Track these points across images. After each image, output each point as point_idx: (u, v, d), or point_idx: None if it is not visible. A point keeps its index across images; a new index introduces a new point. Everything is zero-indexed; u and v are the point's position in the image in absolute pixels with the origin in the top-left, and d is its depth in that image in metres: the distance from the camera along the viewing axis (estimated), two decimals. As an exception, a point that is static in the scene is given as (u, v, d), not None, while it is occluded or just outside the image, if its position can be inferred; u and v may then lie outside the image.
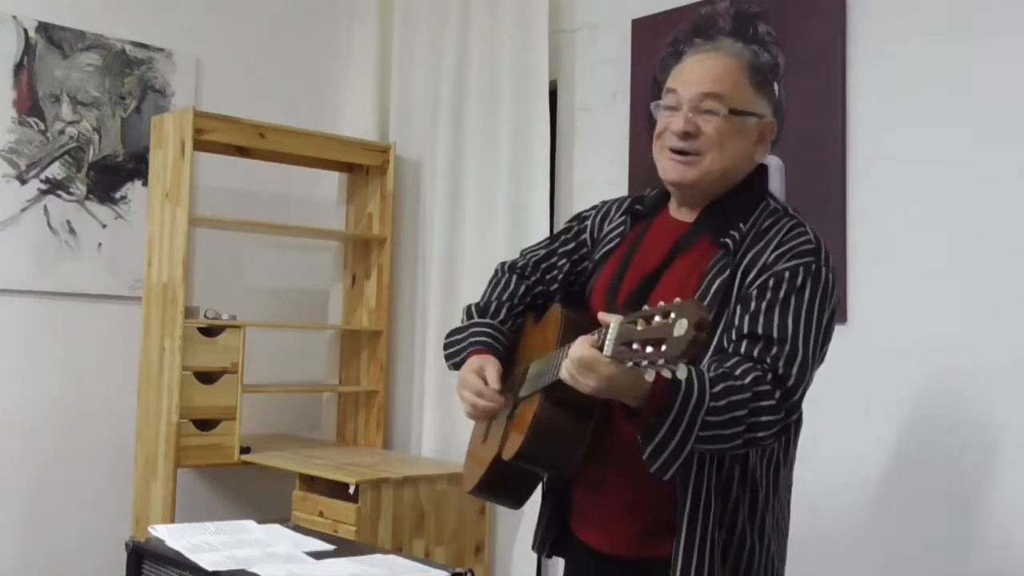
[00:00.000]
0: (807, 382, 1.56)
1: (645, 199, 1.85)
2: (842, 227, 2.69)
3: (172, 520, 3.30)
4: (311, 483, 3.27)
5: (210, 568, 1.99)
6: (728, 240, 1.64)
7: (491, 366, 1.79)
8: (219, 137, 3.55)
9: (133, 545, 2.22)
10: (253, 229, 3.85)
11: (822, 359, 1.64)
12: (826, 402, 2.68)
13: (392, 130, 4.09)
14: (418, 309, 3.90)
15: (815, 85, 2.78)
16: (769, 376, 1.51)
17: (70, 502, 3.60)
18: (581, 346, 1.43)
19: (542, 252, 1.96)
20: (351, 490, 3.08)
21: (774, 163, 2.85)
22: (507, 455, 1.69)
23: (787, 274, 1.57)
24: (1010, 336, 2.39)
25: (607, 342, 1.37)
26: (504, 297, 1.93)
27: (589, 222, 1.92)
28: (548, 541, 1.86)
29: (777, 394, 1.50)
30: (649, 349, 1.31)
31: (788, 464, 1.74)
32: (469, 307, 1.94)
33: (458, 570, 2.03)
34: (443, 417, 3.63)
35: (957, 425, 2.45)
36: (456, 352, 1.90)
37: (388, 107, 4.13)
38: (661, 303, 1.32)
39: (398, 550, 2.79)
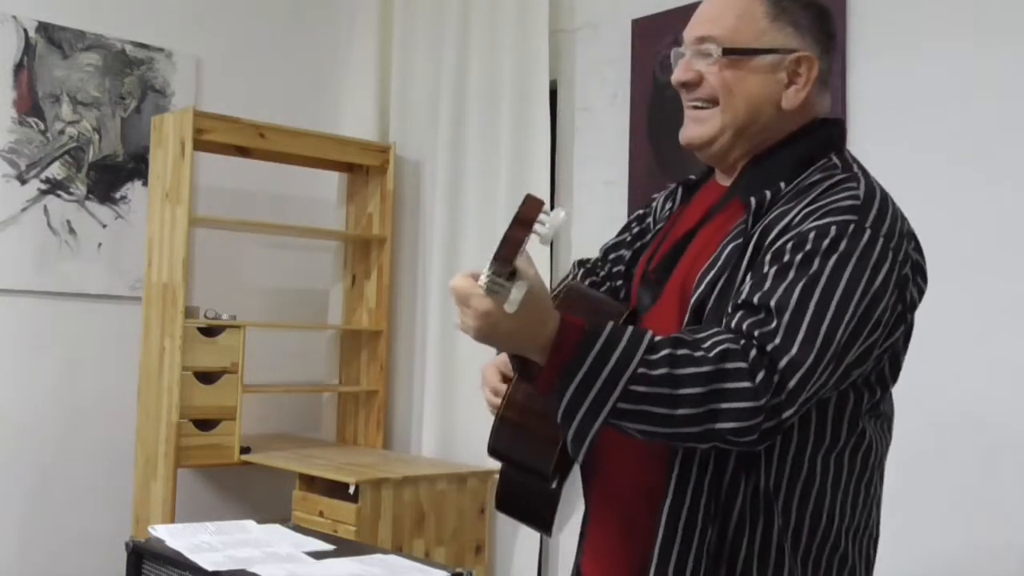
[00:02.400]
0: (819, 371, 1.16)
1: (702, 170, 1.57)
2: (842, 227, 2.68)
3: (172, 520, 3.29)
4: (311, 483, 3.27)
5: (210, 568, 1.99)
6: (754, 198, 1.31)
7: None
8: (219, 137, 3.55)
9: (133, 545, 2.22)
10: (253, 229, 3.85)
11: (869, 356, 1.26)
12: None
13: (392, 130, 4.09)
14: (418, 309, 3.90)
15: (815, 85, 2.77)
16: (753, 353, 1.15)
17: (70, 502, 3.60)
18: (459, 278, 1.17)
19: (611, 241, 1.68)
20: (351, 490, 3.08)
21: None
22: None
23: (812, 234, 1.21)
24: (1010, 337, 2.39)
25: (484, 269, 1.11)
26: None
27: (655, 203, 1.63)
28: None
29: (760, 376, 1.13)
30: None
31: (848, 493, 1.30)
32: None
33: (458, 570, 2.03)
34: (443, 417, 3.63)
35: (956, 427, 2.45)
36: None
37: (388, 107, 4.13)
38: None
39: (398, 550, 2.79)
